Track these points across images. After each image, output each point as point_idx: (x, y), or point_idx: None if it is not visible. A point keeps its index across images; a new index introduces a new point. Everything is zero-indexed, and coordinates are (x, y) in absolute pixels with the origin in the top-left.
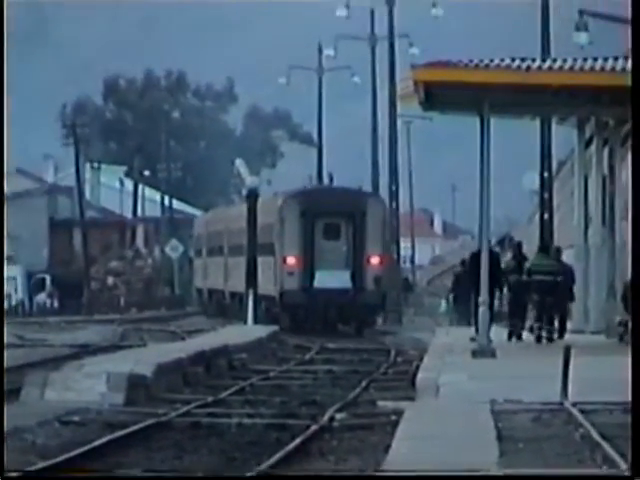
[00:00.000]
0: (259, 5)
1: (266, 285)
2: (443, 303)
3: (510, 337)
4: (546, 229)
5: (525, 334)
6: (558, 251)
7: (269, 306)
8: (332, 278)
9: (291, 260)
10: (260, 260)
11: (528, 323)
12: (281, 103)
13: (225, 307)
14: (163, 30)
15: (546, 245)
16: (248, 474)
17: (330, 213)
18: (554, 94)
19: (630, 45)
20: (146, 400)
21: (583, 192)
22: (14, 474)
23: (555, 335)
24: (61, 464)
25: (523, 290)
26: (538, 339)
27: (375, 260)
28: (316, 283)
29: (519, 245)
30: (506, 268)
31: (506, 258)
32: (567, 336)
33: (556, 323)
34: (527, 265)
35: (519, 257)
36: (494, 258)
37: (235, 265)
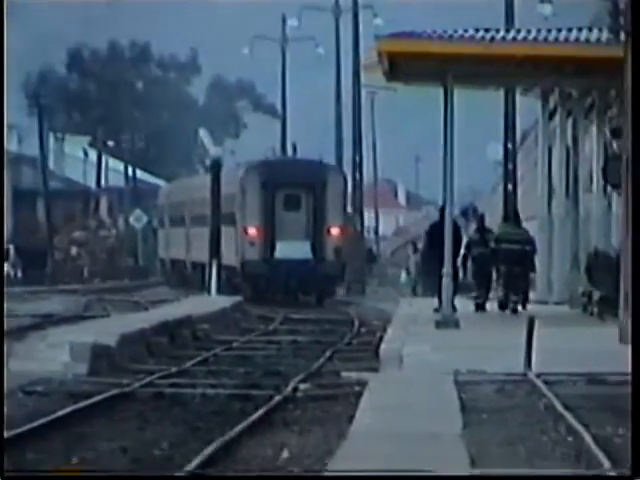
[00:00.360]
0: None
1: (227, 255)
2: (403, 274)
3: (477, 309)
4: (510, 200)
5: (489, 305)
6: (518, 217)
7: (230, 276)
8: (293, 249)
9: (252, 230)
10: (222, 230)
11: (492, 293)
12: (245, 74)
13: (188, 277)
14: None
15: (513, 214)
16: (248, 474)
17: (291, 184)
18: (518, 65)
19: (630, 48)
20: (110, 370)
21: (547, 163)
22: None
23: (519, 306)
24: (24, 434)
25: (488, 260)
26: (504, 309)
27: (335, 231)
28: (277, 254)
29: (482, 217)
30: (470, 239)
31: (470, 230)
32: (530, 306)
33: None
34: (494, 234)
35: (482, 229)
36: (456, 229)
37: (197, 235)
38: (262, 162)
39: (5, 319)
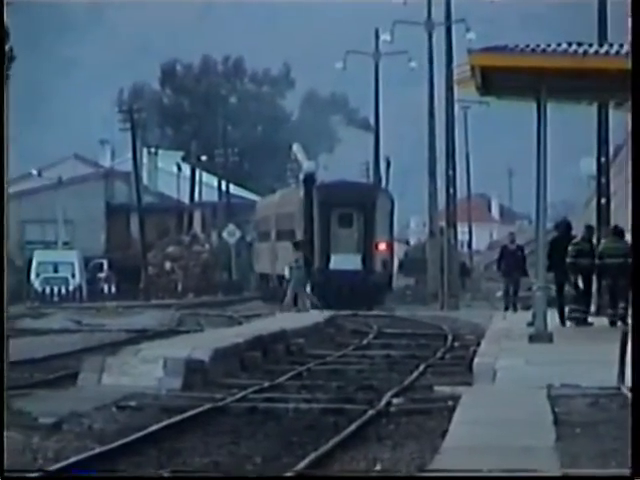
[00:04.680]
0: None
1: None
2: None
3: (583, 323)
4: (603, 214)
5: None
6: (622, 232)
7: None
8: (345, 261)
9: None
10: (284, 245)
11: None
12: (338, 88)
13: (275, 291)
14: (219, 15)
15: (620, 229)
16: (251, 476)
17: (344, 204)
18: (611, 79)
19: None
20: (203, 385)
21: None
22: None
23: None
24: (118, 449)
25: (592, 274)
26: (612, 324)
27: (382, 246)
28: (332, 265)
29: (590, 228)
30: (577, 252)
31: (576, 241)
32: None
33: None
34: (599, 248)
35: (588, 241)
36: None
37: (282, 249)
38: (320, 184)
39: (99, 333)
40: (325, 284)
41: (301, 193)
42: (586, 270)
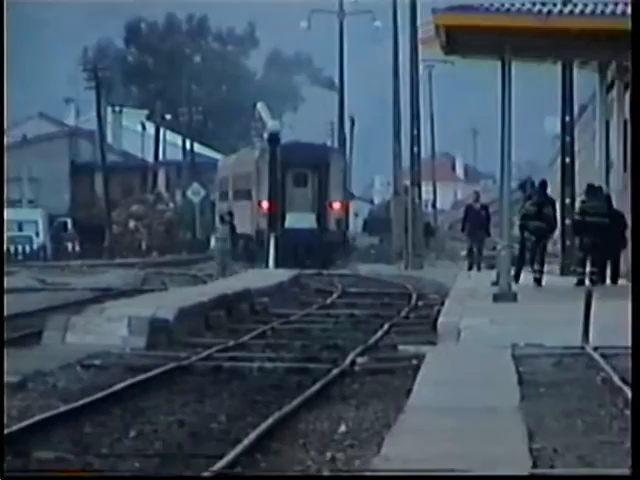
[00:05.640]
0: None
1: (244, 225)
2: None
3: (538, 283)
4: (567, 173)
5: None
6: (601, 189)
7: (246, 243)
8: (300, 219)
9: (265, 204)
10: (241, 204)
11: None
12: (302, 47)
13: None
14: None
15: (597, 186)
16: (250, 474)
17: (299, 164)
18: (575, 38)
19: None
20: (168, 344)
21: (605, 136)
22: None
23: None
24: (82, 408)
25: (544, 233)
26: (580, 283)
27: (337, 205)
28: (287, 224)
29: (543, 184)
30: (526, 212)
31: (526, 203)
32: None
33: (608, 268)
34: (579, 205)
35: (541, 199)
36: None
37: (240, 208)
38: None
39: (64, 292)
40: (280, 242)
41: (256, 153)
42: (536, 232)
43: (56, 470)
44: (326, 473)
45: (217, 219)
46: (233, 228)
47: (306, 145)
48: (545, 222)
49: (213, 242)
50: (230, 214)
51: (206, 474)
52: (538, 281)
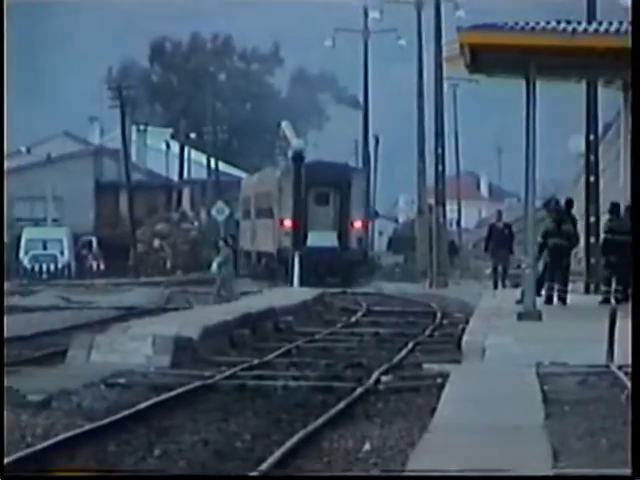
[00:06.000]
0: None
1: (266, 243)
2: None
3: (549, 301)
4: (592, 192)
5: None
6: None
7: (268, 261)
8: (322, 238)
9: (287, 222)
10: (262, 222)
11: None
12: (327, 66)
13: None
14: None
15: (616, 204)
16: (249, 474)
17: (321, 183)
18: (600, 57)
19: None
20: (192, 362)
21: (629, 155)
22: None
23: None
24: (106, 427)
25: (566, 252)
26: (606, 301)
27: (358, 224)
28: (309, 242)
29: (569, 203)
30: (546, 229)
31: (546, 220)
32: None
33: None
34: (606, 224)
35: (560, 216)
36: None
37: (262, 227)
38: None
39: (88, 310)
40: (303, 260)
41: (278, 172)
42: (558, 248)
43: (56, 470)
44: (326, 474)
45: (220, 242)
46: (235, 254)
47: (328, 164)
48: (564, 238)
49: (214, 266)
50: (232, 236)
51: (207, 475)
52: (563, 300)
